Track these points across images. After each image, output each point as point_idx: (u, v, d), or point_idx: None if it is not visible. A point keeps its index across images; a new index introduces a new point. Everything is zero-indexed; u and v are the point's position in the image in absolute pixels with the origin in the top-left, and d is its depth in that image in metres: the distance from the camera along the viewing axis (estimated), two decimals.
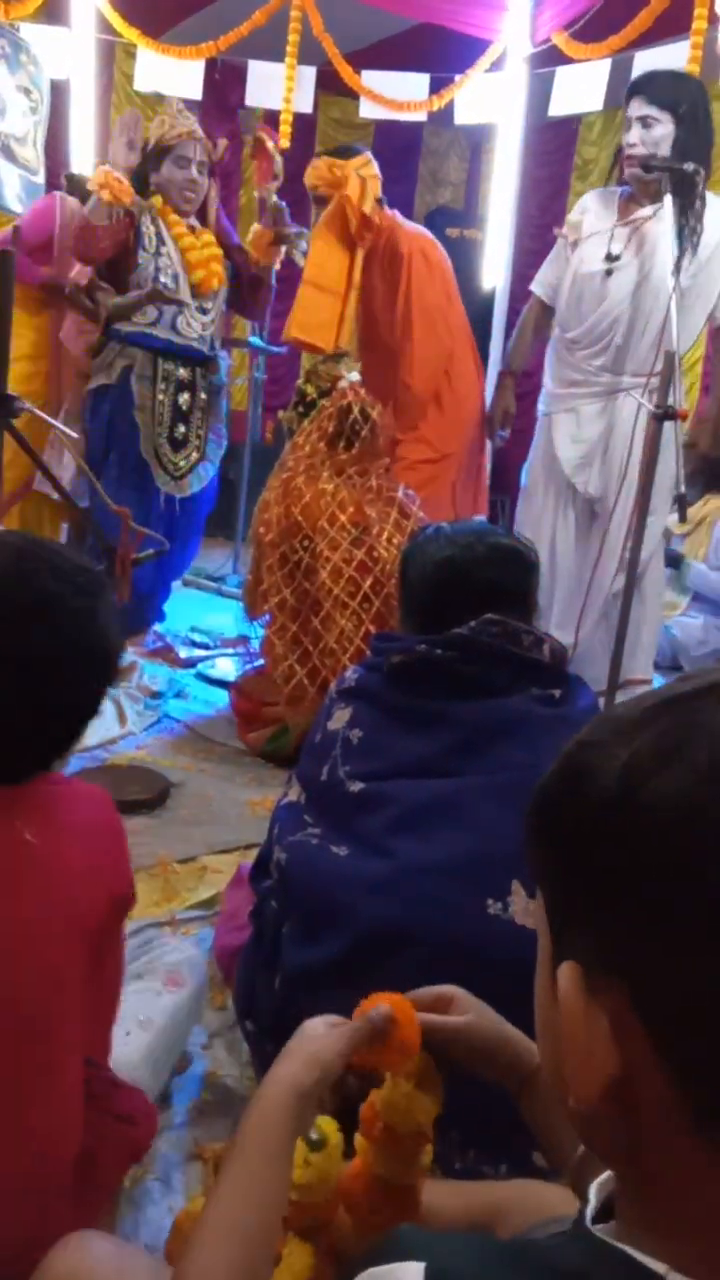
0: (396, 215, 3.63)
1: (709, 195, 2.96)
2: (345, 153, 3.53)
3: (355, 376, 2.76)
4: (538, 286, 3.33)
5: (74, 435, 2.88)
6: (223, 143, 3.63)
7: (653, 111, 2.87)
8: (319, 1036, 0.85)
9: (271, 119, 4.62)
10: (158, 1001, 1.34)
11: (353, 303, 3.44)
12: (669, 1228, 0.48)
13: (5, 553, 0.99)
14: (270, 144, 3.66)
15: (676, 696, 0.50)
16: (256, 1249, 0.75)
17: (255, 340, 4.94)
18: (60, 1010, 0.97)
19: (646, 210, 3.00)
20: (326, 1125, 0.89)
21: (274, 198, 3.66)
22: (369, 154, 3.51)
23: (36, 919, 0.96)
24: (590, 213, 3.17)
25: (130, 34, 4.83)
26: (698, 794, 0.46)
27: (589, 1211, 0.54)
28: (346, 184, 3.33)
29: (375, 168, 3.47)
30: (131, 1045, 1.27)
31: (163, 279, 3.43)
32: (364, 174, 3.38)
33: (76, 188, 3.73)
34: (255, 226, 3.73)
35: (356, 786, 1.51)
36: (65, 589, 0.99)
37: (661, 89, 2.90)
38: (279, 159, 3.68)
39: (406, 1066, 0.89)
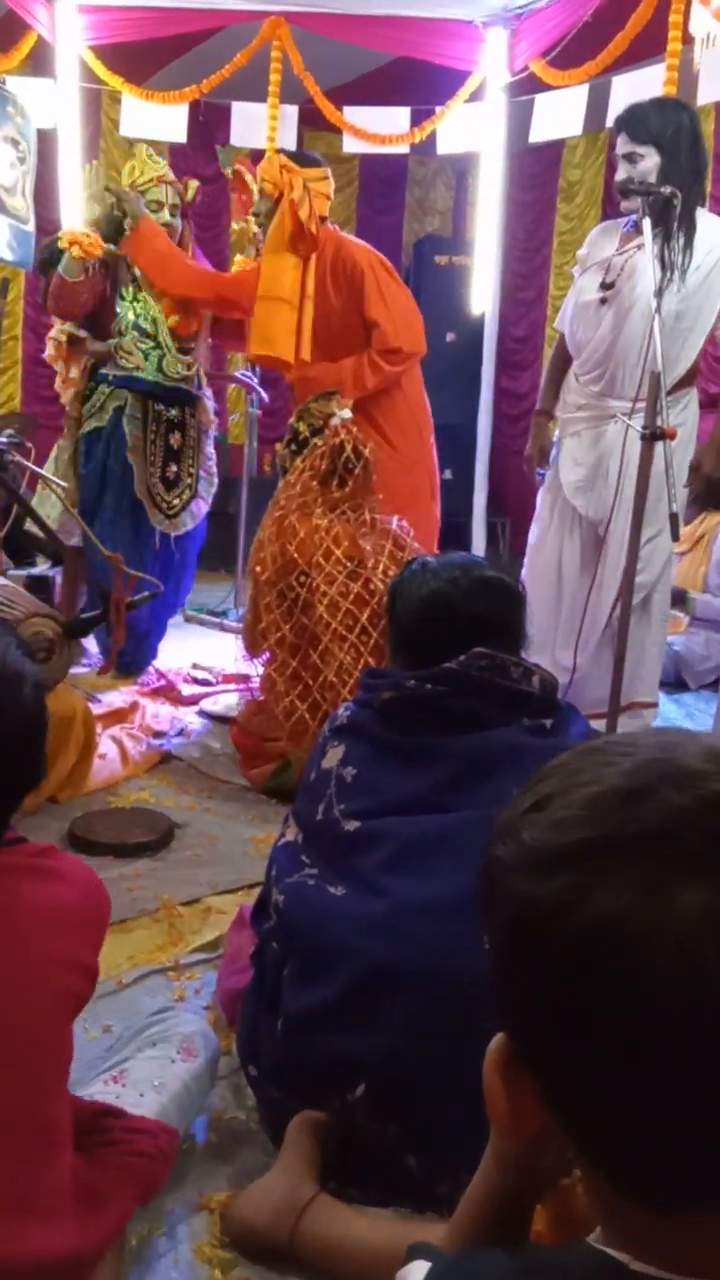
0: (339, 232, 3.51)
1: (709, 216, 2.97)
2: (302, 159, 3.42)
3: (347, 414, 2.77)
4: (559, 323, 3.35)
5: (64, 484, 2.90)
6: (194, 183, 3.67)
7: (636, 148, 2.89)
8: None
9: (256, 158, 4.65)
10: (171, 1068, 1.36)
11: (309, 313, 3.27)
12: (618, 1229, 0.57)
13: None
14: (249, 177, 3.69)
15: (592, 845, 0.54)
16: None
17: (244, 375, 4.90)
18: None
19: (641, 239, 3.02)
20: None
21: (255, 228, 3.68)
22: (328, 170, 3.40)
23: None
24: (594, 245, 3.20)
25: (114, 81, 4.90)
26: (581, 956, 0.52)
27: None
28: (293, 188, 3.21)
29: (330, 186, 3.36)
30: (144, 1107, 1.29)
31: (141, 325, 3.47)
32: (314, 187, 3.26)
33: (45, 252, 3.75)
34: (239, 258, 3.75)
35: (351, 825, 1.51)
36: None
37: (640, 123, 2.90)
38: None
39: None
